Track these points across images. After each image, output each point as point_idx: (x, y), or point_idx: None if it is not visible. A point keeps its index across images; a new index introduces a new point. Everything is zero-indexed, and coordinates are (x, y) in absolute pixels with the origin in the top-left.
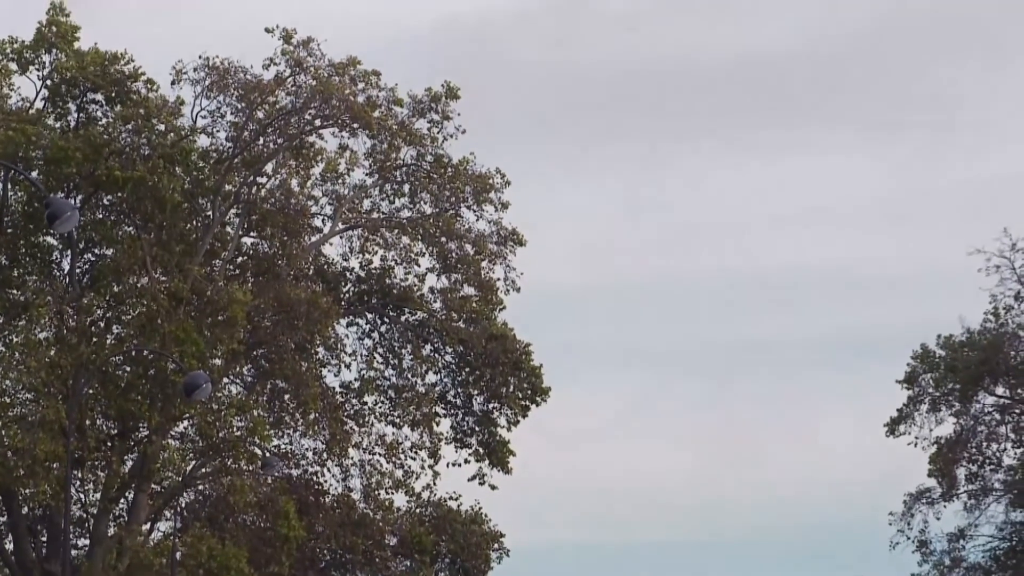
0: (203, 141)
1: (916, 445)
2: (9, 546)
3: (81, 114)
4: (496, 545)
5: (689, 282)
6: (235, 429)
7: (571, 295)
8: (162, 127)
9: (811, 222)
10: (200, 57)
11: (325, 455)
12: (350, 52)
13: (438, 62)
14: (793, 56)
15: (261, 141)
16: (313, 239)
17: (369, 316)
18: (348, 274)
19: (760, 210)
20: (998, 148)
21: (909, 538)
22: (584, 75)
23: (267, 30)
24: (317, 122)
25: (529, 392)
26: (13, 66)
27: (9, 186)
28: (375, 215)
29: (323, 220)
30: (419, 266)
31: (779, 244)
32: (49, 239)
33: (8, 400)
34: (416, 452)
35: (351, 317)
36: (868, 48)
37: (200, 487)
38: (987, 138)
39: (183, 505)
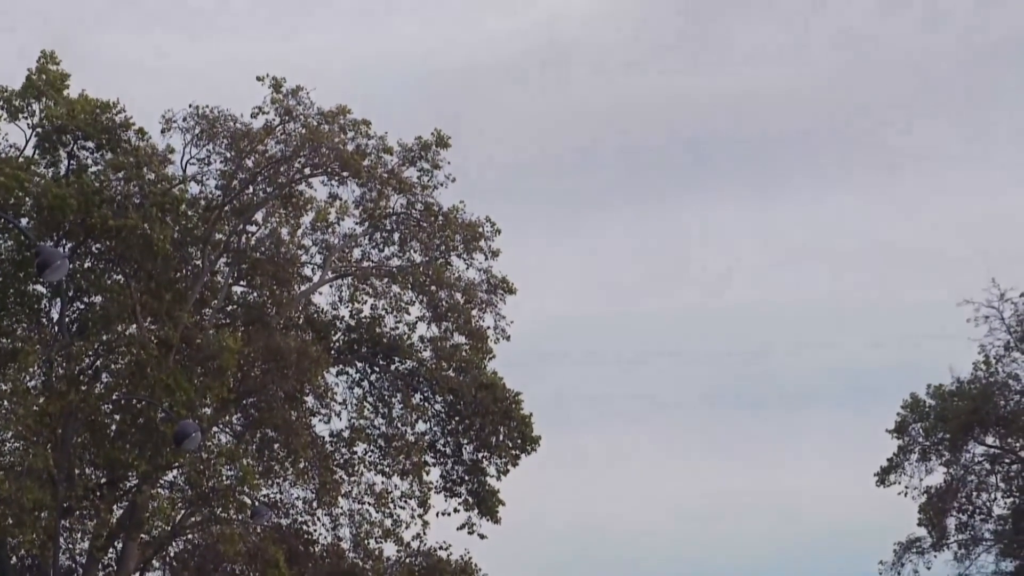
0: (193, 189)
1: (906, 494)
2: None
3: (72, 161)
4: None
5: (680, 326)
6: (224, 478)
7: (562, 342)
8: (152, 175)
9: (798, 271)
10: (190, 106)
11: (315, 504)
12: (340, 101)
13: (428, 111)
14: (779, 102)
15: (251, 189)
16: (303, 288)
17: (359, 365)
18: (338, 323)
19: (748, 255)
20: (986, 197)
21: None
22: (572, 122)
23: (258, 79)
24: (307, 170)
25: (519, 441)
26: (2, 113)
27: None
28: (365, 264)
29: (313, 269)
30: (409, 314)
31: (767, 289)
32: (38, 287)
33: None
34: (405, 501)
35: (341, 366)
36: (853, 94)
37: (189, 536)
38: (975, 187)
39: (172, 554)
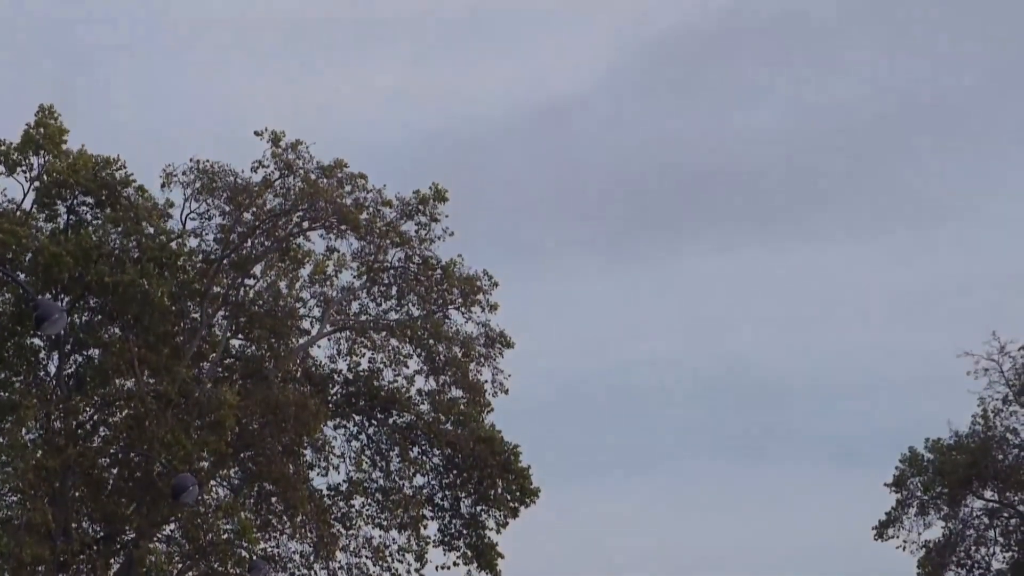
0: (192, 243)
1: (904, 549)
2: None
3: (71, 216)
4: None
5: (677, 384)
6: (222, 532)
7: (559, 396)
8: (151, 230)
9: (797, 323)
10: (190, 160)
11: (313, 558)
12: (339, 154)
13: (428, 169)
14: (777, 159)
15: (249, 243)
16: (301, 341)
17: (357, 418)
18: (336, 376)
19: (746, 311)
20: (985, 250)
21: None
22: (571, 180)
23: (256, 133)
24: (305, 224)
25: (518, 494)
26: (0, 168)
27: None
28: (363, 317)
29: (311, 322)
30: (407, 368)
31: (765, 345)
32: (36, 341)
33: None
34: (403, 555)
35: (339, 419)
36: (854, 150)
37: None
38: (974, 241)
39: None
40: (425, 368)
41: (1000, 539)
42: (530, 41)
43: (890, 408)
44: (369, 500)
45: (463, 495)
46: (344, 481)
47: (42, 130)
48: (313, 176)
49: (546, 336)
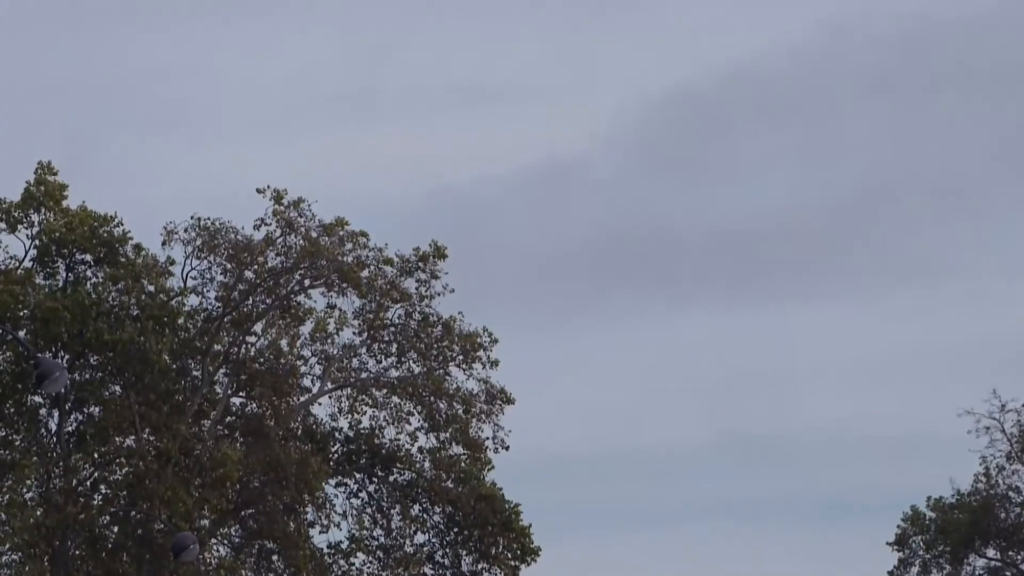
0: (192, 301)
1: None
2: None
3: (70, 274)
4: None
5: (677, 443)
6: None
7: (559, 454)
8: (151, 288)
9: (798, 383)
10: (191, 217)
11: None
12: (341, 212)
13: (428, 226)
14: (778, 219)
15: (250, 301)
16: (302, 399)
17: (358, 476)
18: (337, 434)
19: (746, 372)
20: (986, 309)
21: None
22: (571, 239)
23: (258, 190)
24: (306, 282)
25: (519, 552)
26: (1, 225)
27: None
28: (364, 374)
29: (312, 380)
30: (409, 425)
31: (766, 405)
32: (37, 398)
33: None
34: None
35: (340, 477)
36: (855, 213)
37: None
38: (974, 299)
39: None
40: (426, 425)
41: None
42: (532, 103)
43: (892, 466)
44: (370, 558)
45: (464, 553)
46: (345, 539)
47: (42, 187)
48: (314, 234)
49: (546, 392)
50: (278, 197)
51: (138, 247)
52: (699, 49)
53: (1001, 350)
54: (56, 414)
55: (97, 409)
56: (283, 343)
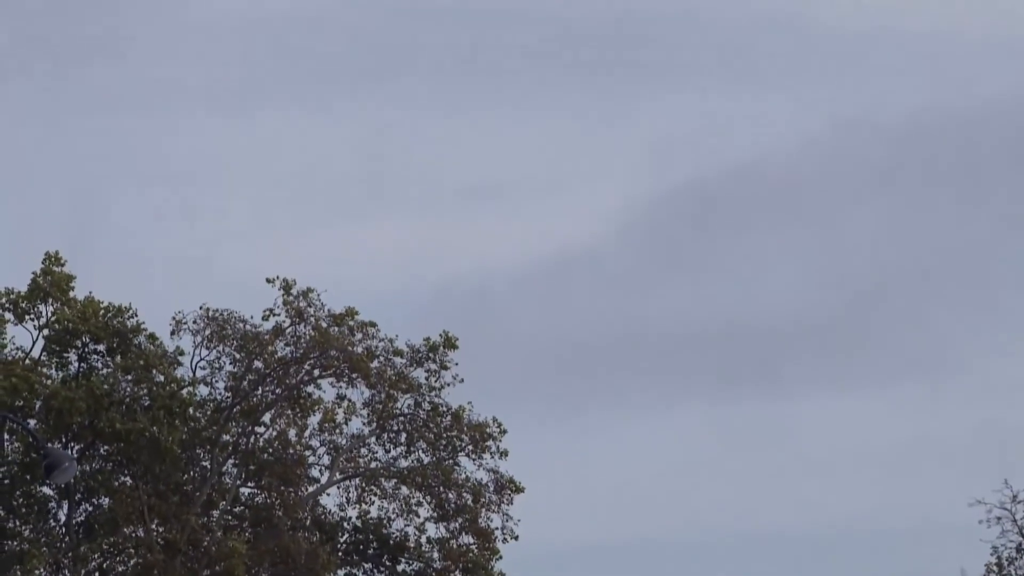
0: (202, 391)
1: None
2: None
3: (82, 364)
4: None
5: (686, 535)
6: None
7: (568, 544)
8: (161, 378)
9: (807, 476)
10: (201, 307)
11: None
12: (351, 302)
13: (438, 317)
14: (786, 313)
15: (259, 391)
16: (311, 489)
17: (366, 566)
18: (345, 524)
19: (754, 465)
20: (996, 398)
21: None
22: (580, 331)
23: (268, 280)
24: (316, 372)
25: None
26: (8, 315)
27: (6, 435)
28: (373, 464)
29: (320, 470)
30: (418, 516)
31: (773, 497)
32: (46, 489)
33: None
34: None
35: (348, 568)
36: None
37: None
38: (984, 389)
39: None
40: (435, 515)
41: None
42: (542, 196)
43: (903, 558)
44: None
45: None
46: None
47: (49, 278)
48: (324, 324)
49: (556, 482)
50: (287, 287)
51: (152, 336)
52: (707, 144)
53: (1012, 439)
54: (65, 504)
55: (107, 499)
56: (292, 433)
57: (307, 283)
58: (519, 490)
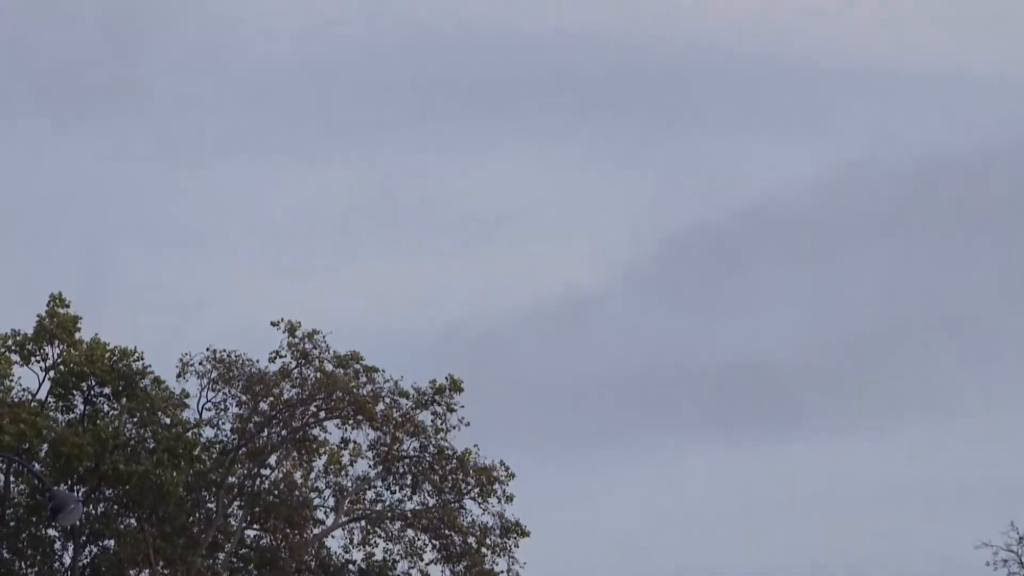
0: (208, 433)
1: None
2: None
3: (88, 406)
4: None
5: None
6: None
7: None
8: (167, 420)
9: (813, 517)
10: (207, 349)
11: None
12: (356, 346)
13: (444, 359)
14: (793, 354)
15: (265, 433)
16: (316, 531)
17: None
18: (350, 566)
19: (761, 506)
20: (1001, 442)
21: None
22: (586, 373)
23: (273, 323)
24: (321, 414)
25: None
26: (15, 357)
27: (12, 478)
28: (378, 506)
29: (325, 512)
30: (422, 559)
31: (779, 539)
32: (52, 531)
33: None
34: None
35: None
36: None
37: None
38: (990, 432)
39: None
40: (440, 557)
41: None
42: (548, 237)
43: None
44: None
45: None
46: None
47: (55, 319)
48: (330, 366)
49: (561, 525)
50: (292, 329)
51: (157, 380)
52: (715, 184)
53: (1018, 481)
54: (71, 547)
55: (112, 541)
56: (297, 475)
57: (314, 324)
58: (524, 534)
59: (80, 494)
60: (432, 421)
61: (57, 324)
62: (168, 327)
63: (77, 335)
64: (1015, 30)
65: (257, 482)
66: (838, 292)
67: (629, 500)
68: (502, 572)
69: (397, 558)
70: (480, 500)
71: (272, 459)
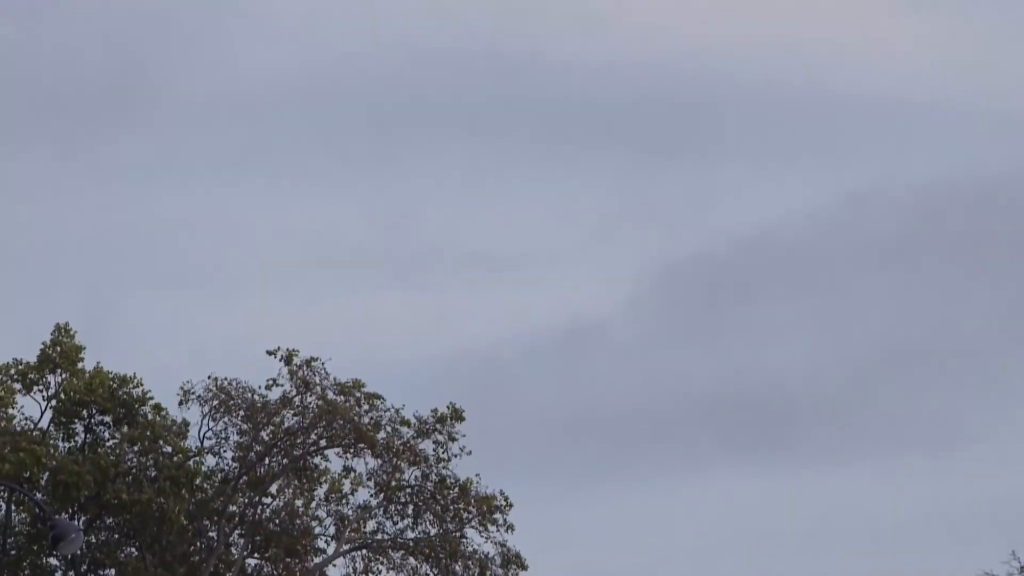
0: (209, 461)
1: None
2: None
3: (88, 435)
4: None
5: None
6: None
7: None
8: (168, 448)
9: (817, 546)
10: (208, 377)
11: None
12: (358, 373)
13: (446, 388)
14: (795, 383)
15: (266, 461)
16: (317, 560)
17: None
18: None
19: (766, 535)
20: (1003, 471)
21: None
22: (590, 403)
23: (269, 352)
24: (322, 442)
25: None
26: (17, 386)
27: (13, 507)
28: (379, 535)
29: (326, 541)
30: None
31: (786, 569)
32: (52, 560)
33: None
34: None
35: None
36: (872, 377)
37: None
38: (991, 461)
39: None
40: None
41: None
42: (551, 267)
43: None
44: None
45: None
46: None
47: (58, 348)
48: (331, 394)
49: (562, 556)
50: (288, 358)
51: (158, 407)
52: (717, 215)
53: (1019, 510)
54: None
55: (113, 571)
56: (298, 504)
57: (316, 353)
58: (524, 567)
59: (81, 523)
60: (434, 450)
61: (61, 353)
62: (170, 356)
63: (80, 364)
64: (1020, 64)
65: (258, 511)
66: (841, 322)
67: (630, 530)
68: None
69: None
70: (481, 530)
71: (273, 488)
